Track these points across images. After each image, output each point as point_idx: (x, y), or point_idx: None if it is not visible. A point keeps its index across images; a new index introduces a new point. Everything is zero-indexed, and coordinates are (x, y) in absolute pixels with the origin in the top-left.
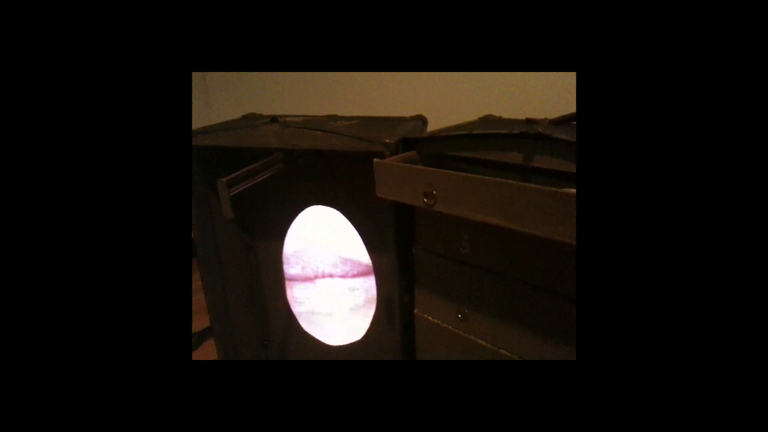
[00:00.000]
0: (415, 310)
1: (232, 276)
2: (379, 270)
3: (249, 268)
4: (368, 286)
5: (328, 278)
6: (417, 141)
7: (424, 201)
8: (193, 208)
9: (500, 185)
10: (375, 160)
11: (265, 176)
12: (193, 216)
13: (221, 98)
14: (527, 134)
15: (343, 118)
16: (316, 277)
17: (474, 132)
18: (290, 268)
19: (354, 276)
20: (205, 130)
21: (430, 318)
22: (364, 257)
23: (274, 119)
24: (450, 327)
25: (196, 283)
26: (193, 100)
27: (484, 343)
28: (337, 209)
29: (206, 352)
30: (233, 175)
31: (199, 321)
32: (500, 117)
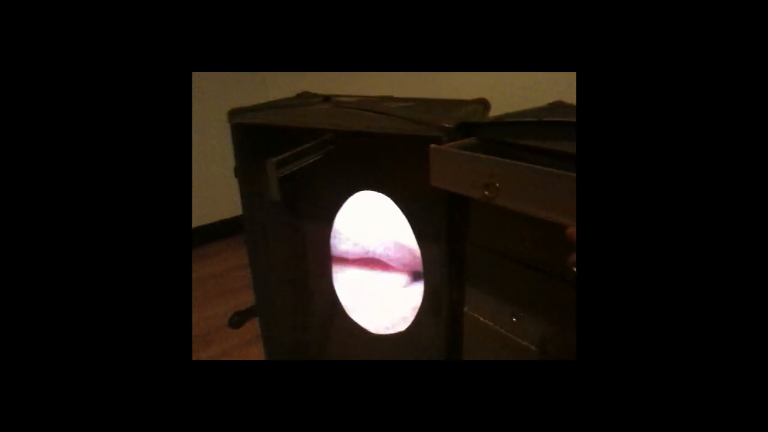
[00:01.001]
0: (465, 308)
1: (277, 256)
2: (428, 262)
3: (295, 250)
4: (416, 276)
5: (376, 264)
6: (478, 126)
7: (484, 193)
8: (241, 187)
9: (574, 180)
10: (431, 146)
11: (316, 158)
12: (242, 194)
13: (278, 76)
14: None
15: (398, 99)
16: (363, 262)
17: (543, 119)
18: (337, 251)
19: (402, 265)
20: (256, 108)
21: (481, 318)
22: (413, 246)
23: (326, 98)
24: (502, 330)
25: (244, 259)
26: (249, 77)
27: (536, 349)
28: (388, 195)
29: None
30: (283, 156)
31: (244, 298)
32: (572, 104)
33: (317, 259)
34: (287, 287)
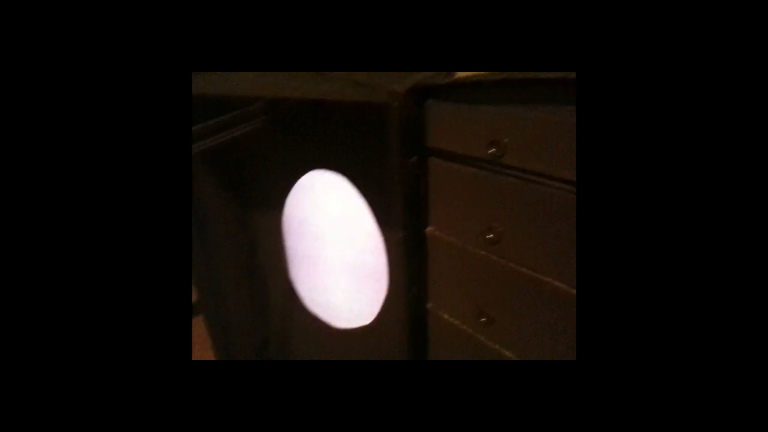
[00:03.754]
0: (428, 305)
1: (223, 250)
2: (389, 250)
3: (243, 242)
4: (378, 265)
5: (335, 253)
6: (435, 90)
7: (489, 152)
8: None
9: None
10: (428, 101)
11: (242, 131)
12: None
13: None
14: None
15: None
16: (320, 251)
17: (518, 76)
18: (292, 241)
19: (362, 253)
20: None
21: (446, 316)
22: (373, 232)
23: None
24: (469, 330)
25: None
26: None
27: (511, 355)
28: (342, 175)
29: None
30: (198, 126)
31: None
32: None
33: (269, 250)
34: (237, 284)
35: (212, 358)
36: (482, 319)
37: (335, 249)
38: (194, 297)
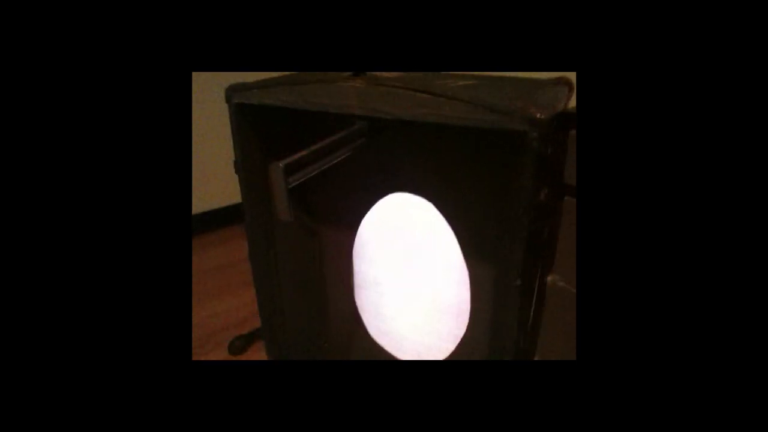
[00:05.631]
0: (537, 357)
1: (288, 270)
2: (479, 291)
3: (309, 261)
4: (461, 300)
5: (410, 282)
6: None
7: None
8: (243, 185)
9: None
10: (572, 132)
11: (340, 158)
12: (243, 195)
13: None
14: None
15: (456, 75)
16: (393, 278)
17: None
18: (361, 265)
19: (443, 287)
20: (265, 84)
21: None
22: (457, 263)
23: (357, 73)
24: None
25: (248, 275)
26: None
27: None
28: (429, 200)
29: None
30: (294, 157)
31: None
32: None
33: (335, 273)
34: (299, 307)
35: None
36: None
37: (411, 277)
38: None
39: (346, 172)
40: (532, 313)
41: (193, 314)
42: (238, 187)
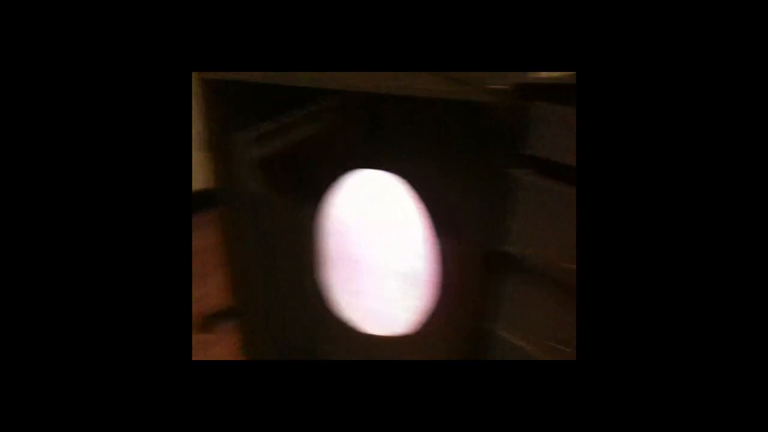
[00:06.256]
0: (500, 331)
1: (260, 250)
2: (446, 260)
3: (280, 240)
4: (428, 273)
5: (378, 257)
6: (543, 89)
7: None
8: (212, 164)
9: None
10: (536, 102)
11: (312, 132)
12: (214, 174)
13: None
14: None
15: None
16: (362, 257)
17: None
18: (330, 241)
19: (411, 260)
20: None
21: (513, 340)
22: (425, 242)
23: None
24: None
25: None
26: None
27: None
28: (400, 177)
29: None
30: (264, 130)
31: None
32: None
33: (305, 250)
34: (272, 281)
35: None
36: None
37: (379, 253)
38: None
39: (314, 149)
40: (493, 283)
41: None
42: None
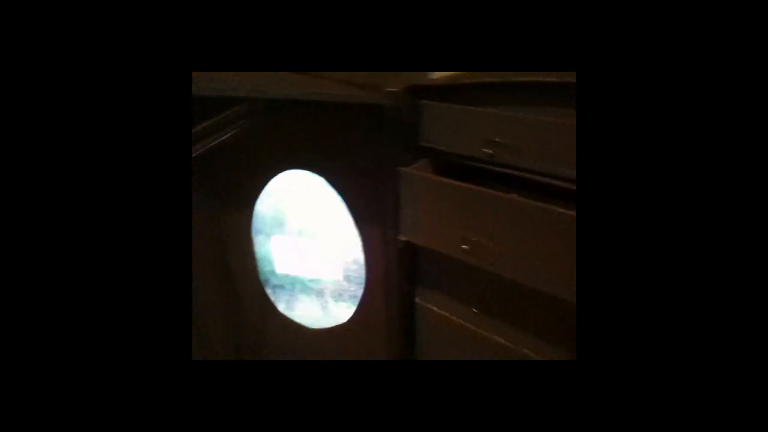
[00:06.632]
0: (417, 299)
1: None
2: (370, 249)
3: (217, 242)
4: (357, 266)
5: (306, 254)
6: (429, 90)
7: (483, 150)
8: None
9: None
10: (423, 101)
11: (227, 136)
12: None
13: None
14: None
15: None
16: (291, 252)
17: (512, 79)
18: (262, 241)
19: (338, 253)
20: None
21: (436, 309)
22: (350, 232)
23: None
24: (462, 322)
25: None
26: None
27: (503, 341)
28: (320, 174)
29: None
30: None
31: None
32: None
33: (239, 251)
34: (210, 284)
35: None
36: (473, 310)
37: (310, 250)
38: None
39: (239, 153)
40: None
41: None
42: None
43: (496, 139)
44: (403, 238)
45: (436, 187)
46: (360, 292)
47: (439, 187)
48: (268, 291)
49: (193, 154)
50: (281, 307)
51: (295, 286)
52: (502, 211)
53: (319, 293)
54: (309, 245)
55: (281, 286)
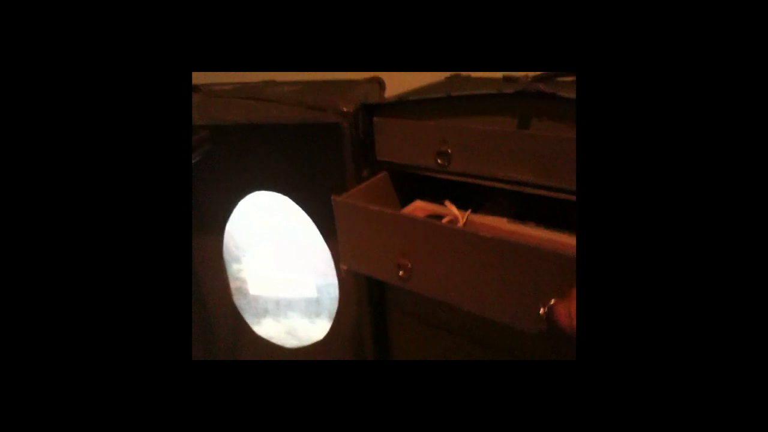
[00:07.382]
0: (389, 312)
1: None
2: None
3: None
4: (329, 283)
5: (278, 274)
6: (380, 107)
7: (437, 162)
8: None
9: (534, 138)
10: (375, 119)
11: (193, 162)
12: None
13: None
14: (526, 92)
15: (283, 83)
16: (263, 273)
17: (458, 93)
18: (233, 264)
19: (309, 271)
20: None
21: (408, 320)
22: (321, 249)
23: (195, 88)
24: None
25: None
26: None
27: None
28: (285, 195)
29: None
30: None
31: None
32: (469, 75)
33: (210, 274)
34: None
35: None
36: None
37: (282, 270)
38: None
39: (204, 180)
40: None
41: None
42: None
43: (447, 150)
44: (344, 267)
45: (365, 215)
46: (334, 308)
47: (369, 215)
48: (242, 313)
49: None
50: (256, 329)
51: (268, 306)
52: (433, 235)
53: (294, 312)
54: (281, 265)
55: (254, 308)
